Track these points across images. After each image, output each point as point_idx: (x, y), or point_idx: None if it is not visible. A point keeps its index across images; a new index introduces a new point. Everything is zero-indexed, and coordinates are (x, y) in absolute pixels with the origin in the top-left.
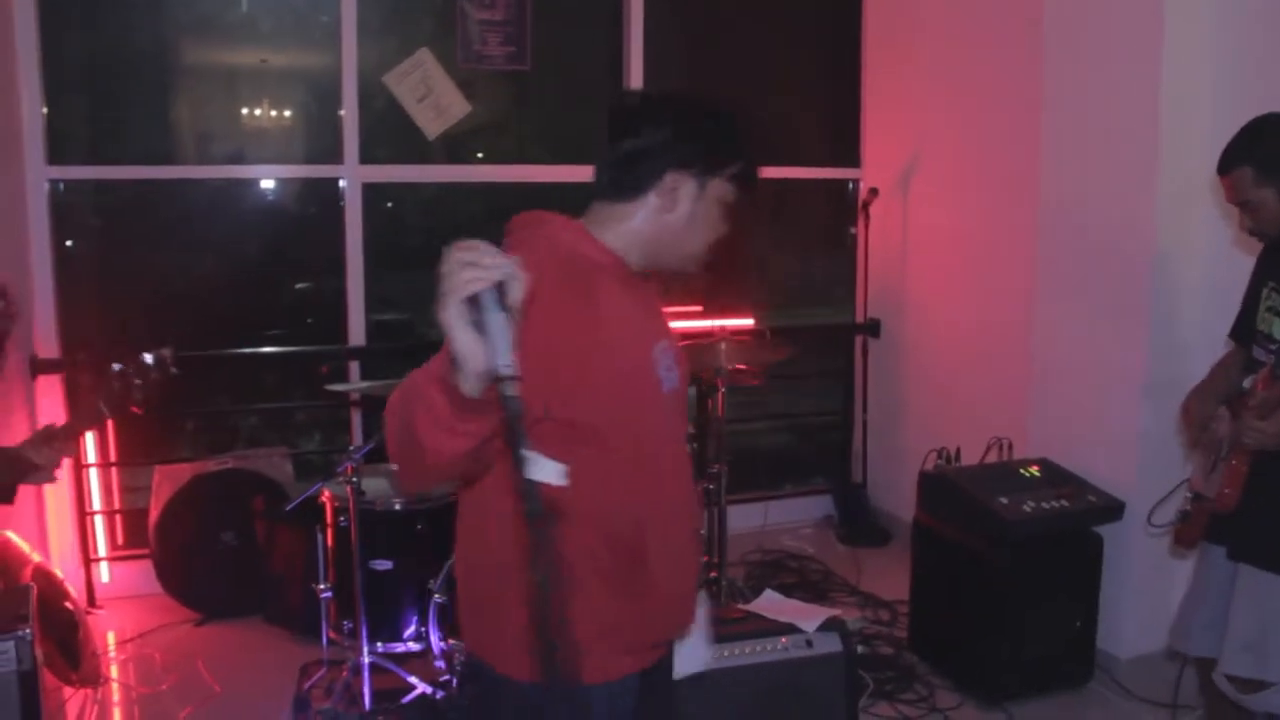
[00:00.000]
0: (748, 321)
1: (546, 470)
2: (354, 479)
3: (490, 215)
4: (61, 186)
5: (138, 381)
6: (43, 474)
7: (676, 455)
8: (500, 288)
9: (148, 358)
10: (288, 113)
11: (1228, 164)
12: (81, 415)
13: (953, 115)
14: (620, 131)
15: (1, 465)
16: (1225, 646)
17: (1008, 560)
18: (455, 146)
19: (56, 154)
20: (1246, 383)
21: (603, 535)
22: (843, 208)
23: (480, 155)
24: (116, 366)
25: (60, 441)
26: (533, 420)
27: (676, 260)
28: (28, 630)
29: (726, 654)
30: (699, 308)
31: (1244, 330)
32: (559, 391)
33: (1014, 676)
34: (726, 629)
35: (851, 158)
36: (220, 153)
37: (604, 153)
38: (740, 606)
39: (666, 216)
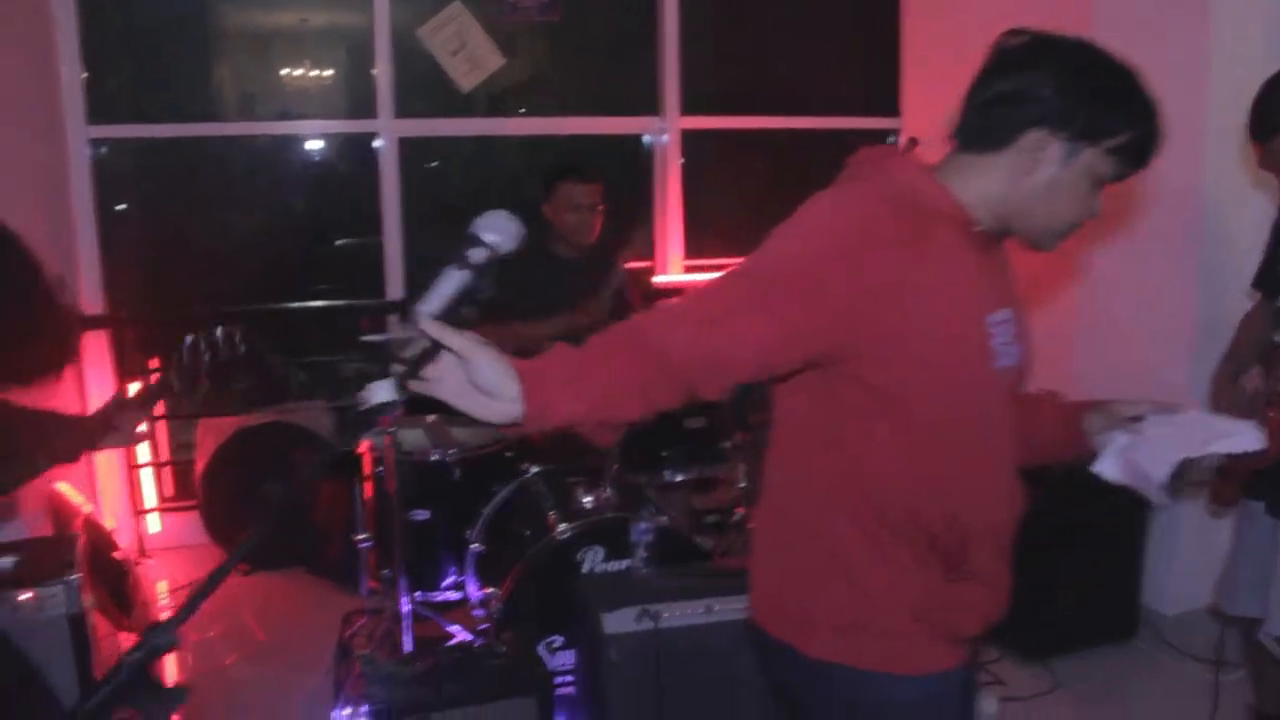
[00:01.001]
0: None
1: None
2: (391, 430)
3: (528, 170)
4: (104, 148)
5: (207, 356)
6: (120, 437)
7: (1005, 438)
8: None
9: (218, 333)
10: (326, 71)
11: (1261, 130)
12: (154, 387)
13: None
14: (994, 72)
15: (78, 434)
16: (1272, 606)
17: (1050, 513)
18: (491, 101)
19: (97, 115)
20: (1277, 336)
21: (895, 514)
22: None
23: (523, 110)
24: (188, 339)
25: (134, 410)
26: (804, 365)
27: (1026, 231)
28: (76, 576)
29: (718, 609)
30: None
31: (1269, 280)
32: (860, 344)
33: (1055, 631)
34: (724, 581)
35: (889, 106)
36: (260, 112)
37: (972, 92)
38: None
39: (1023, 179)
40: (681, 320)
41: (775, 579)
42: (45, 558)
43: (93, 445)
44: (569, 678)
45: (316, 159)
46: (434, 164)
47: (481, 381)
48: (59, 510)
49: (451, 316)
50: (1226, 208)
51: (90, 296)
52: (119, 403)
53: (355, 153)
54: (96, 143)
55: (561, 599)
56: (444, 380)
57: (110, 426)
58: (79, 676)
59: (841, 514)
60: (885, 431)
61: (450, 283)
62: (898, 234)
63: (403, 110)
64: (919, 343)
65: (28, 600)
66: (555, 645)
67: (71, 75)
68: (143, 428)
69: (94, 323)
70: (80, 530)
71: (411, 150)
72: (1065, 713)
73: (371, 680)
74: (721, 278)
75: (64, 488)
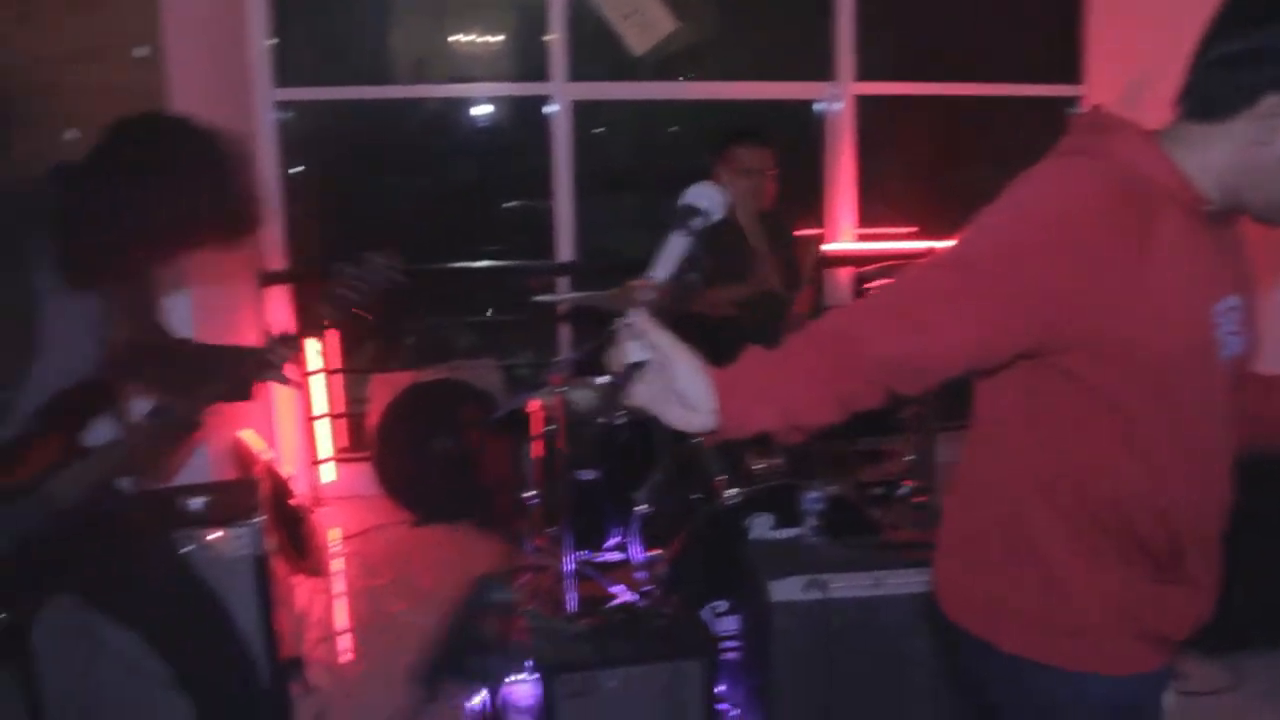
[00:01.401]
0: None
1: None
2: (562, 389)
3: (693, 136)
4: (287, 110)
5: (363, 285)
6: (272, 371)
7: (1221, 433)
8: (688, 212)
9: (372, 260)
10: (499, 36)
11: None
12: (309, 318)
13: (1195, 19)
14: (1226, 28)
15: (237, 361)
16: None
17: (1238, 504)
18: (659, 66)
19: (282, 79)
20: None
21: (1103, 511)
22: (1061, 128)
23: (690, 76)
24: (341, 269)
25: (287, 345)
26: (1012, 359)
27: (1261, 207)
28: (260, 518)
29: (888, 582)
30: (915, 229)
31: None
32: (1077, 340)
33: (1239, 626)
34: (893, 554)
35: (1071, 73)
36: (433, 74)
37: (1200, 52)
38: None
39: (1259, 150)
40: (881, 319)
41: (966, 569)
42: (232, 500)
43: (258, 375)
44: (733, 643)
45: (487, 122)
46: (600, 129)
47: (679, 389)
48: (241, 456)
49: (679, 282)
50: None
51: (273, 255)
52: (281, 338)
53: (525, 116)
54: (281, 105)
55: (728, 564)
56: (645, 387)
57: (268, 362)
58: (259, 616)
59: (1044, 508)
60: (1100, 428)
61: (676, 248)
62: (1122, 221)
63: (572, 74)
64: (1142, 341)
65: (216, 539)
66: (720, 610)
67: (259, 39)
68: (290, 367)
69: (277, 278)
70: (261, 476)
71: (580, 111)
72: (1247, 711)
73: (537, 636)
74: (924, 268)
75: (247, 435)
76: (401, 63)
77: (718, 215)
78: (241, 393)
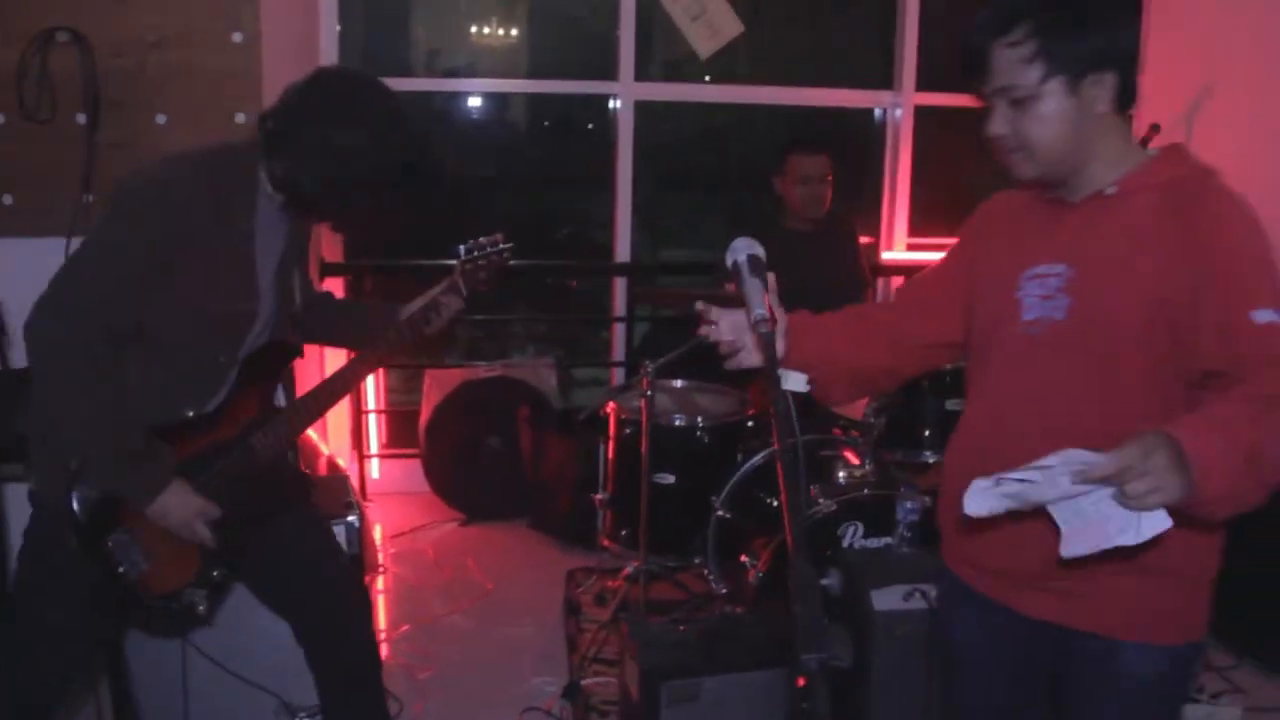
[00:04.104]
0: None
1: (796, 381)
2: (648, 392)
3: (765, 139)
4: None
5: (483, 262)
6: (432, 322)
7: (1023, 389)
8: (753, 260)
9: (484, 240)
10: (567, 31)
11: None
12: (442, 300)
13: (1255, 41)
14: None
15: (389, 313)
16: None
17: None
18: (724, 67)
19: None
20: None
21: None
22: None
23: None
24: (462, 249)
25: (447, 300)
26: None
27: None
28: (356, 517)
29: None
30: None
31: None
32: None
33: None
34: None
35: None
36: (491, 68)
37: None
38: None
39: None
40: None
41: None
42: (321, 497)
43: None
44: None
45: (552, 117)
46: (665, 126)
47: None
48: (305, 451)
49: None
50: None
51: (331, 243)
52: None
53: (589, 112)
54: None
55: (819, 572)
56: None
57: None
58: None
59: None
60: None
61: (756, 288)
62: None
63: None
64: (975, 302)
65: None
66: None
67: (331, 26)
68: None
69: (334, 270)
70: (328, 472)
71: (643, 111)
72: None
73: (641, 641)
74: None
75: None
76: (451, 58)
77: (761, 252)
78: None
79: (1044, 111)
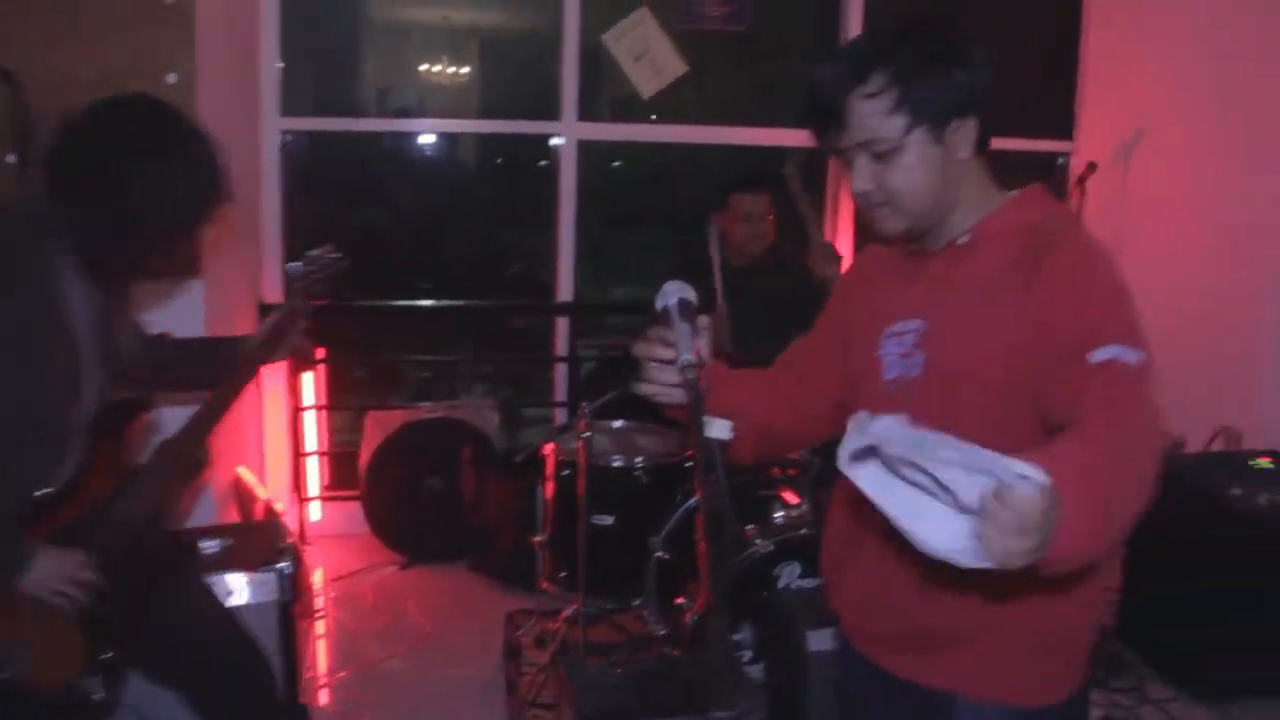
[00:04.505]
0: None
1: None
2: (587, 435)
3: (702, 175)
4: (289, 138)
5: (317, 275)
6: (276, 354)
7: None
8: (683, 304)
9: (315, 253)
10: (506, 69)
11: None
12: (284, 314)
13: (1186, 83)
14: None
15: (233, 344)
16: None
17: (1240, 554)
18: (674, 107)
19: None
20: None
21: None
22: (1051, 183)
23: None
24: (295, 267)
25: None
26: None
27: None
28: (288, 564)
29: None
30: None
31: None
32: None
33: (1236, 673)
34: None
35: (1063, 129)
36: (432, 107)
37: None
38: None
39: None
40: None
41: None
42: (254, 543)
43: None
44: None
45: (493, 156)
46: (616, 164)
47: None
48: (241, 495)
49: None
50: None
51: (271, 283)
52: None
53: (532, 151)
54: (285, 133)
55: (756, 613)
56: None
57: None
58: (285, 665)
59: None
60: None
61: (685, 333)
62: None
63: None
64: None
65: (241, 585)
66: (744, 659)
67: (270, 65)
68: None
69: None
70: (264, 516)
71: (586, 151)
72: None
73: (578, 685)
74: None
75: (244, 472)
76: (398, 93)
77: (693, 296)
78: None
79: (909, 162)
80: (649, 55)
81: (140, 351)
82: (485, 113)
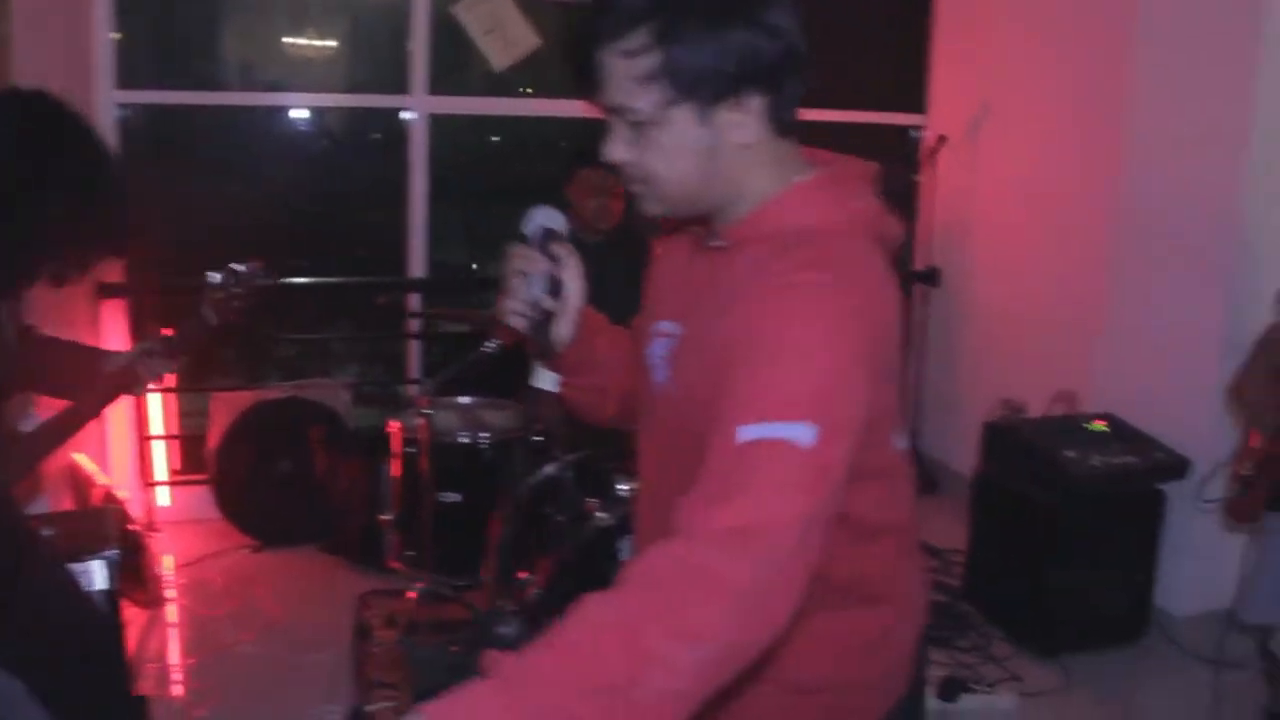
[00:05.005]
0: None
1: (546, 379)
2: (429, 411)
3: (555, 151)
4: (128, 112)
5: (237, 291)
6: (138, 387)
7: (652, 452)
8: (546, 233)
9: (240, 268)
10: (355, 42)
11: None
12: (185, 331)
13: (1031, 61)
14: None
15: (110, 377)
16: None
17: (1072, 514)
18: (520, 80)
19: (121, 79)
20: None
21: None
22: (903, 155)
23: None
24: (214, 277)
25: (162, 358)
26: None
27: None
28: (115, 551)
29: None
30: None
31: None
32: None
33: (1071, 629)
34: None
35: (916, 103)
36: (282, 80)
37: None
38: None
39: None
40: None
41: None
42: (81, 531)
43: (125, 389)
44: None
45: (343, 130)
46: (496, 139)
47: None
48: (78, 482)
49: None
50: (1262, 222)
51: (108, 267)
52: (149, 348)
53: (382, 125)
54: (123, 107)
55: (600, 588)
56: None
57: (135, 372)
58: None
59: None
60: None
61: (538, 265)
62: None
63: (430, 85)
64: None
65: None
66: None
67: (103, 35)
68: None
69: (112, 291)
70: (101, 503)
71: (438, 125)
72: (1077, 709)
73: (416, 666)
74: None
75: (81, 459)
76: (251, 67)
77: (564, 232)
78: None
79: (667, 142)
80: (501, 28)
81: (16, 348)
82: (354, 87)
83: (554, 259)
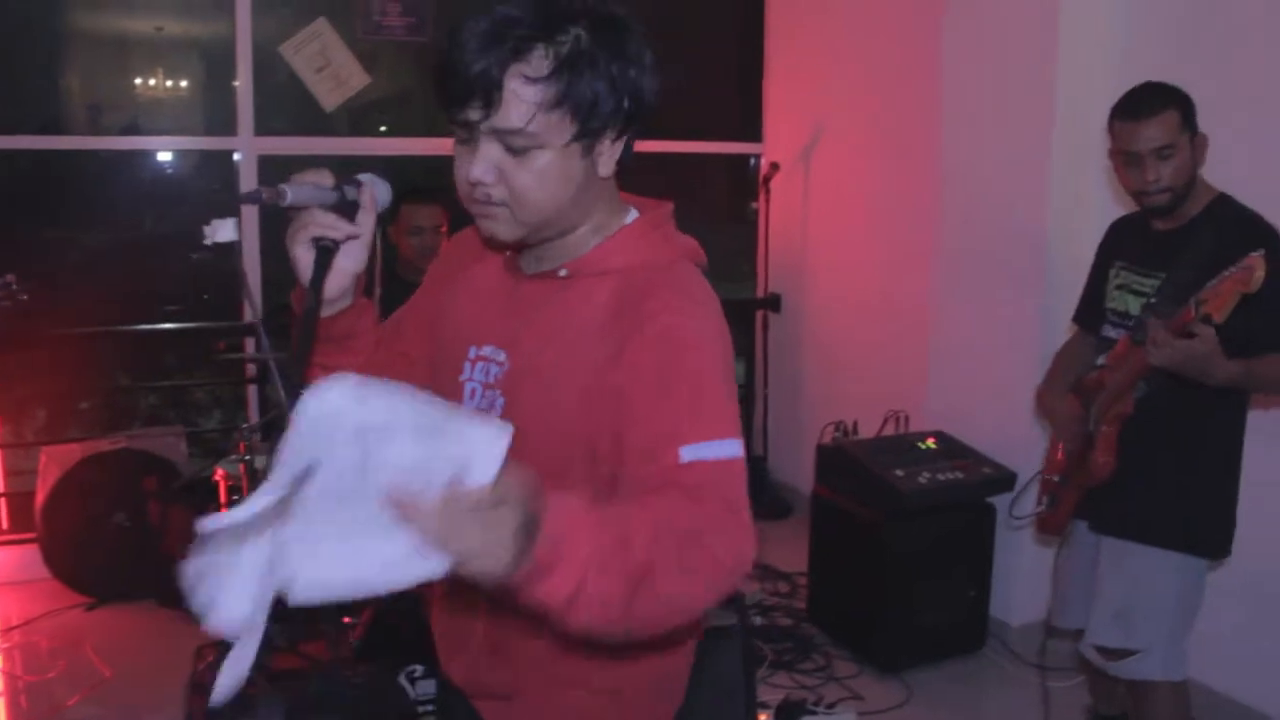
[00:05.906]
0: None
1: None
2: (247, 457)
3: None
4: None
5: None
6: None
7: None
8: (344, 199)
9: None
10: (184, 83)
11: (1155, 106)
12: None
13: (855, 89)
14: None
15: None
16: (1092, 618)
17: (904, 531)
18: (357, 119)
19: None
20: (1100, 359)
21: None
22: (744, 182)
23: (383, 129)
24: None
25: None
26: None
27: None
28: None
29: None
30: None
31: (1091, 314)
32: None
33: (910, 645)
34: None
35: (754, 132)
36: (114, 123)
37: None
38: None
39: None
40: None
41: None
42: None
43: None
44: (430, 706)
45: (174, 174)
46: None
47: None
48: None
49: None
50: (1071, 237)
51: None
52: None
53: (214, 168)
54: None
55: (423, 629)
56: None
57: None
58: None
59: None
60: None
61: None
62: (448, 254)
63: (263, 127)
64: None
65: None
66: (416, 675)
67: None
68: None
69: None
70: None
71: (269, 165)
72: None
73: (237, 712)
74: None
75: None
76: (80, 110)
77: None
78: None
79: (545, 168)
80: (330, 67)
81: None
82: (210, 129)
83: (348, 219)
